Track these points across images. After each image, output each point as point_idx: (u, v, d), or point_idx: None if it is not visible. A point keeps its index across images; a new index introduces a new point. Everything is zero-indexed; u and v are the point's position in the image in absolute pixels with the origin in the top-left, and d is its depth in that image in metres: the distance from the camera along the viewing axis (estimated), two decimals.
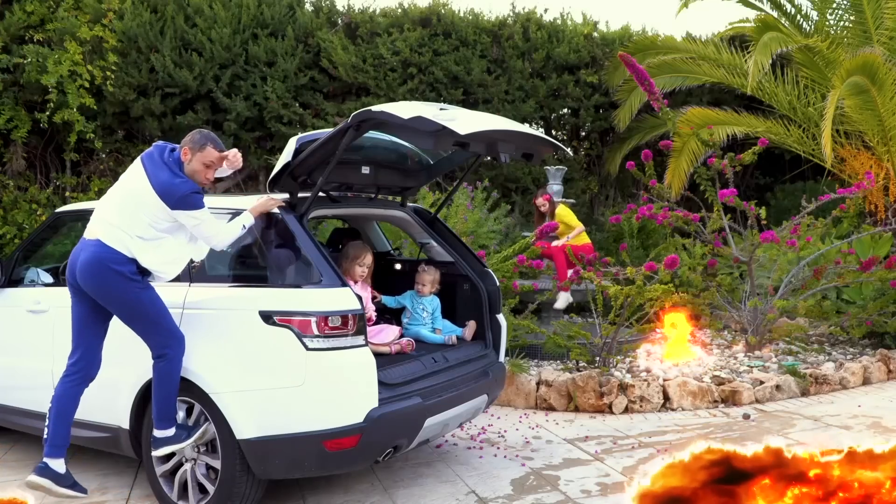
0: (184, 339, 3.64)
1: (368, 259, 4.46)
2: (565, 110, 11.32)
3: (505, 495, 4.09)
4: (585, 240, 7.48)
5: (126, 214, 3.55)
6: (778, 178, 12.07)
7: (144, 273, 3.61)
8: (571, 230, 7.40)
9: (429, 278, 4.69)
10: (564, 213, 7.50)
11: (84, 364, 3.67)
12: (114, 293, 3.56)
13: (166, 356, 3.58)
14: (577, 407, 5.81)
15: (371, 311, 4.44)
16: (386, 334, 4.35)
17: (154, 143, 3.71)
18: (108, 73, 8.99)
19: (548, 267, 7.43)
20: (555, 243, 7.30)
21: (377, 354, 3.72)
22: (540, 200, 7.57)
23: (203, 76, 9.40)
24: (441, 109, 3.52)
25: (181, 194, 3.49)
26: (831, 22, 10.02)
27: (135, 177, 3.59)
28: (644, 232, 9.49)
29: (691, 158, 9.81)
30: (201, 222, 3.57)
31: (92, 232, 3.61)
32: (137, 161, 3.65)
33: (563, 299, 7.23)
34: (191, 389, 3.70)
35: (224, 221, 3.99)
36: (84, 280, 3.57)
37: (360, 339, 3.57)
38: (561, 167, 8.94)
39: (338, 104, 10.17)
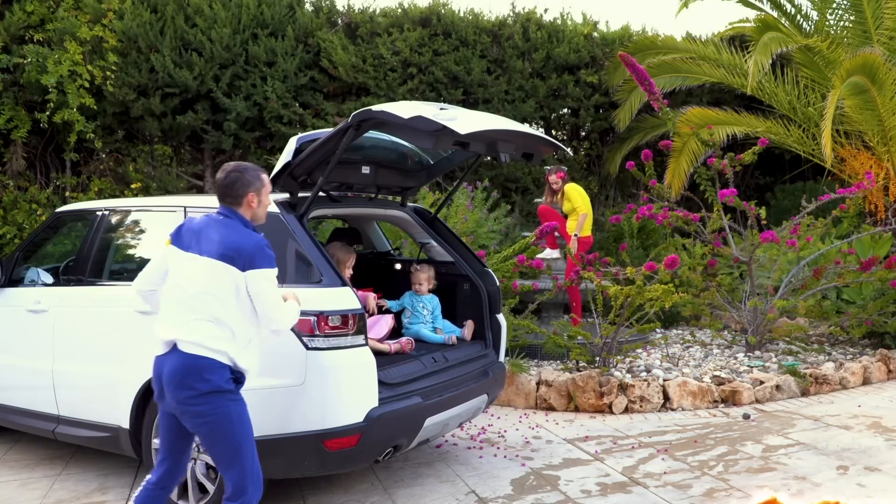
0: (262, 481, 3.03)
1: (353, 260, 4.49)
2: (565, 110, 11.32)
3: (505, 495, 4.09)
4: (588, 230, 7.43)
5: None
6: (778, 178, 12.07)
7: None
8: (574, 212, 7.34)
9: (423, 276, 4.70)
10: (573, 191, 7.39)
11: (172, 477, 3.10)
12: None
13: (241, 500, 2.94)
14: (577, 407, 5.81)
15: None
16: (380, 327, 4.35)
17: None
18: (108, 73, 8.98)
19: (548, 267, 7.42)
20: (572, 235, 7.21)
21: (377, 354, 3.73)
22: (553, 178, 7.49)
23: (203, 76, 9.40)
24: (441, 109, 3.52)
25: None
26: (831, 22, 10.02)
27: None
28: (644, 232, 9.49)
29: (691, 158, 9.80)
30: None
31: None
32: None
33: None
34: None
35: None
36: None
37: (360, 339, 3.57)
38: (561, 167, 8.94)
39: (338, 104, 10.17)
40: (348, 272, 4.41)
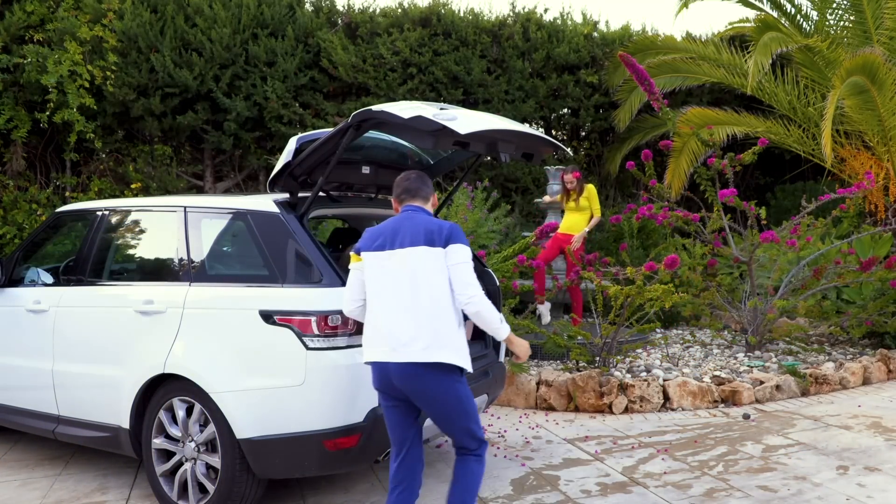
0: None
1: None
2: (565, 110, 11.32)
3: (505, 495, 4.09)
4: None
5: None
6: (778, 178, 12.08)
7: None
8: (587, 210, 7.34)
9: None
10: (591, 192, 7.41)
11: (409, 471, 3.17)
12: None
13: (480, 451, 3.12)
14: (577, 407, 5.82)
15: None
16: None
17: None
18: (108, 73, 8.99)
19: (549, 266, 7.42)
20: (575, 236, 7.21)
21: None
22: (569, 177, 7.47)
23: (203, 76, 9.40)
24: (441, 109, 3.51)
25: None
26: (831, 22, 10.02)
27: None
28: (644, 232, 9.50)
29: (691, 158, 9.81)
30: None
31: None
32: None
33: (545, 313, 7.16)
34: (191, 389, 3.70)
35: (224, 222, 3.99)
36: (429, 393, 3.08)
37: (360, 339, 3.56)
38: (561, 167, 8.94)
39: (338, 104, 10.17)
40: None
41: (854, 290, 7.32)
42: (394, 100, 9.67)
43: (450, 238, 3.06)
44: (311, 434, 3.47)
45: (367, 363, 3.12)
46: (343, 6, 10.78)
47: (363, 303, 3.21)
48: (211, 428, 3.66)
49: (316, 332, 3.47)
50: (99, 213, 4.57)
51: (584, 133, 12.09)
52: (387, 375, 3.05)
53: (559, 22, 11.07)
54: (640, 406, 5.76)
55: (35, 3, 8.71)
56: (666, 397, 5.82)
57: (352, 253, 3.20)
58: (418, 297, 3.02)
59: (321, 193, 4.22)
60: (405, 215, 3.18)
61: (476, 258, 4.87)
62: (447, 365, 3.01)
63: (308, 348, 3.46)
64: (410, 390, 3.03)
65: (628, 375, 6.09)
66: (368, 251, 3.13)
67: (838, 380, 6.24)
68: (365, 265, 3.14)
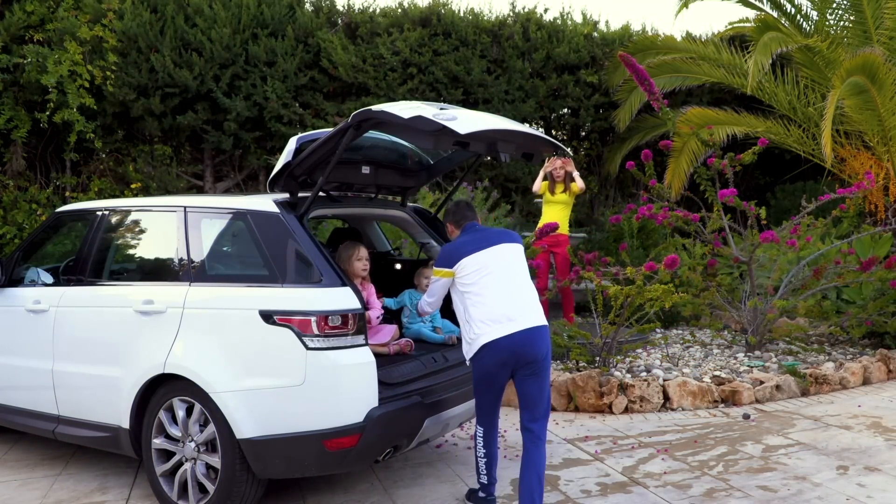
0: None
1: (364, 252, 4.44)
2: (565, 110, 11.32)
3: (505, 495, 4.09)
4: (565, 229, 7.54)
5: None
6: (778, 178, 12.07)
7: None
8: (570, 209, 7.51)
9: (431, 274, 4.67)
10: (577, 190, 7.59)
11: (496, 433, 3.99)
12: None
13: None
14: (577, 407, 5.81)
15: (378, 309, 4.42)
16: (384, 334, 4.34)
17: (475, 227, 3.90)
18: (108, 73, 8.99)
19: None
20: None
21: (377, 354, 3.72)
22: (559, 163, 7.48)
23: (203, 76, 9.40)
24: (441, 109, 3.51)
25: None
26: (831, 22, 10.02)
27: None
28: (644, 232, 9.49)
29: (691, 158, 9.81)
30: None
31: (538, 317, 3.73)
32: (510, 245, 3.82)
33: None
34: (191, 389, 3.70)
35: (224, 222, 3.98)
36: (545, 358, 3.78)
37: (360, 339, 3.57)
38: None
39: (338, 104, 10.17)
40: (360, 264, 4.37)
41: (854, 290, 7.32)
42: (394, 100, 9.67)
43: (520, 240, 3.92)
44: (311, 434, 3.47)
45: (486, 344, 3.60)
46: (343, 6, 10.78)
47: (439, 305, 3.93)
48: (211, 428, 3.66)
49: (316, 332, 3.46)
50: (99, 214, 4.57)
51: (584, 133, 12.09)
52: (508, 347, 3.59)
53: (559, 22, 11.07)
54: (640, 406, 5.76)
55: (35, 3, 8.71)
56: (666, 397, 5.82)
57: (435, 268, 3.78)
58: (520, 278, 3.73)
59: (321, 193, 4.22)
60: (476, 227, 3.87)
61: None
62: (548, 329, 3.75)
63: (308, 348, 3.46)
64: (535, 352, 3.65)
65: (628, 375, 6.09)
66: (467, 256, 3.67)
67: (838, 380, 6.24)
68: (467, 266, 3.67)
